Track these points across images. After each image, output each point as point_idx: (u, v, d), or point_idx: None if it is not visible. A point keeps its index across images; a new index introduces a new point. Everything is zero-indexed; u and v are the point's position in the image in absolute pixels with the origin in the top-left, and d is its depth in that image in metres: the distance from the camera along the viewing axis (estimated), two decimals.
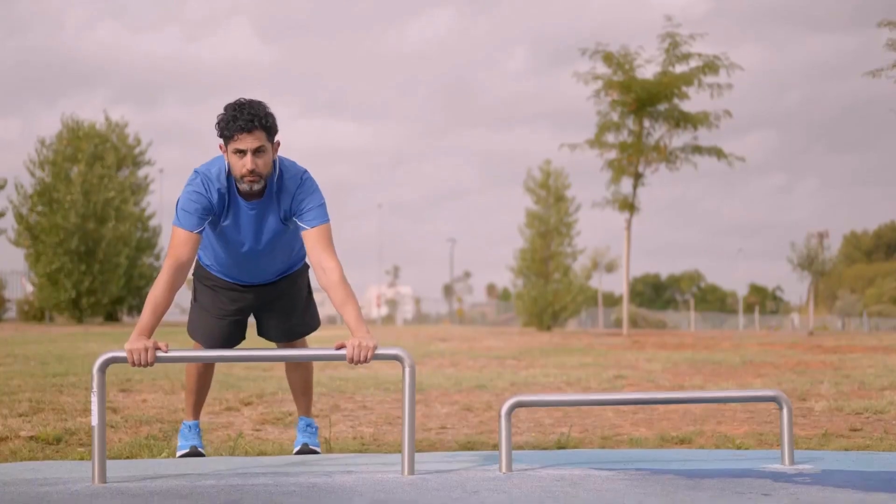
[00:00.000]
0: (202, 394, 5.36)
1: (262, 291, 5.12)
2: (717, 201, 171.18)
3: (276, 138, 4.66)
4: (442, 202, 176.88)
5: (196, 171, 4.72)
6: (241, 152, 4.52)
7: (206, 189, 4.64)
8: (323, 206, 4.75)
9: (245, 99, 4.60)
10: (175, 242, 4.63)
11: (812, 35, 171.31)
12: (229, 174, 4.67)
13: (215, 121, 4.60)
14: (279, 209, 4.73)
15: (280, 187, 4.71)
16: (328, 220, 4.75)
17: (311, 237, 4.70)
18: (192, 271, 5.15)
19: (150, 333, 4.43)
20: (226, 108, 4.57)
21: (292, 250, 5.05)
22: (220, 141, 4.63)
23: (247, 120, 4.50)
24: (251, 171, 4.53)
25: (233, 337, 5.20)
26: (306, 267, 5.27)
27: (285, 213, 4.74)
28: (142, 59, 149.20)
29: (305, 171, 4.80)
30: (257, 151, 4.53)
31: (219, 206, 4.68)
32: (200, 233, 4.64)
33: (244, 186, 4.59)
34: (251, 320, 5.35)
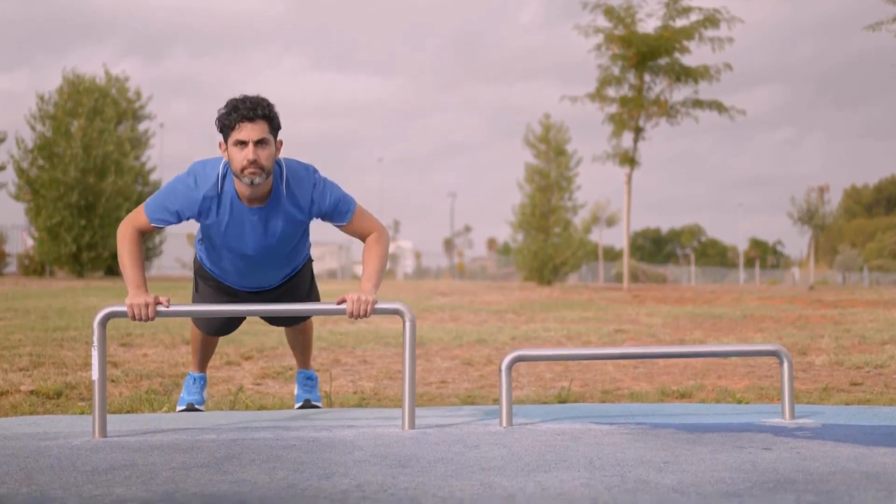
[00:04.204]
0: (207, 353, 5.35)
1: (265, 295, 4.97)
2: (721, 155, 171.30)
3: (280, 138, 4.42)
4: (446, 156, 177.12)
5: (190, 171, 4.48)
6: (243, 143, 4.28)
7: (192, 191, 4.41)
8: (342, 194, 4.56)
9: (246, 93, 4.39)
10: (137, 220, 4.46)
11: None
12: (225, 177, 4.42)
13: (215, 116, 4.36)
14: (291, 213, 4.49)
15: (290, 192, 4.45)
16: (354, 203, 4.59)
17: (350, 229, 4.61)
18: (193, 268, 5.04)
19: (145, 285, 4.41)
20: (226, 102, 4.36)
21: (298, 254, 4.85)
22: (220, 139, 4.39)
23: (249, 108, 4.28)
24: (252, 162, 4.26)
25: (232, 326, 5.15)
26: (310, 260, 5.11)
27: (303, 216, 4.52)
28: (151, 12, 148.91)
29: (314, 169, 4.54)
30: (260, 143, 4.28)
31: (206, 209, 4.44)
32: (160, 227, 4.52)
33: (245, 180, 4.30)
34: None
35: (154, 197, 4.50)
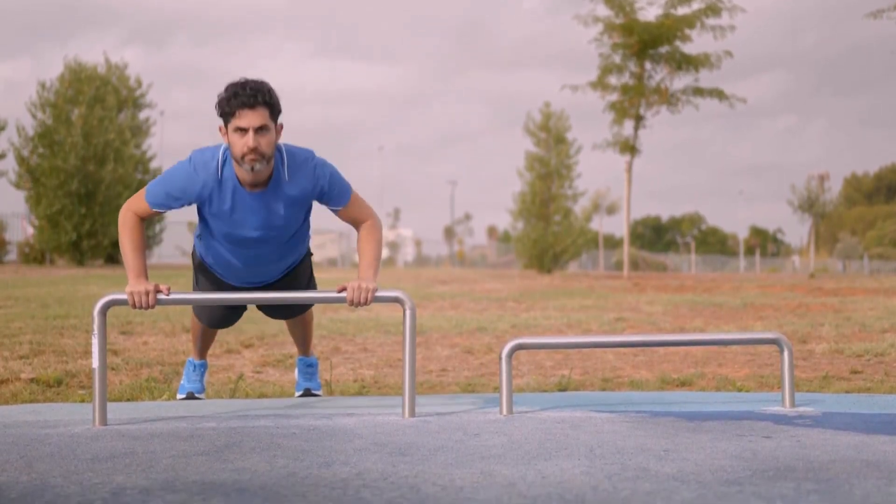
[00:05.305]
0: (208, 341, 5.34)
1: (264, 289, 4.94)
2: (722, 143, 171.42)
3: (280, 121, 4.38)
4: (447, 144, 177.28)
5: (191, 158, 4.45)
6: (243, 130, 4.24)
7: (192, 178, 4.39)
8: (340, 180, 4.55)
9: (247, 77, 4.34)
10: (137, 205, 4.45)
11: None
12: (225, 163, 4.39)
13: (216, 100, 4.32)
14: (293, 196, 4.47)
15: (291, 177, 4.44)
16: (351, 189, 4.58)
17: (346, 214, 4.60)
18: (192, 262, 4.98)
19: (146, 273, 4.41)
20: (227, 87, 4.31)
21: (299, 243, 4.80)
22: (220, 123, 4.35)
23: (249, 95, 4.23)
24: (253, 150, 4.23)
25: (232, 318, 5.13)
26: (309, 254, 5.08)
27: (305, 197, 4.50)
28: (153, 0, 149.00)
29: (313, 154, 4.52)
30: (260, 130, 4.24)
31: (207, 196, 4.42)
32: (160, 212, 4.50)
33: (245, 167, 4.28)
34: None
35: (155, 182, 4.48)
